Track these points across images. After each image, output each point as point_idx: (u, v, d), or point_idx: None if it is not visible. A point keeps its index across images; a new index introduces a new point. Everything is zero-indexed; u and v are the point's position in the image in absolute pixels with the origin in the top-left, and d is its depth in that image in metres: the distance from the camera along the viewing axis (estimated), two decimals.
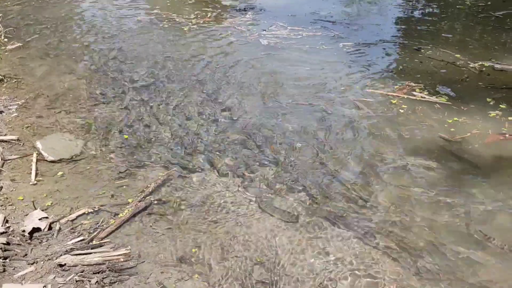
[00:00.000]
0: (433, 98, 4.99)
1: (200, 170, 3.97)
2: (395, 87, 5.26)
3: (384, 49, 6.30)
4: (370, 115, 4.75)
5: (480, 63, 5.68)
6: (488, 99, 4.92)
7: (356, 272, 2.99)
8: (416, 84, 5.29)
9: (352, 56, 6.09)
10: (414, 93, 5.11)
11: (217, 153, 4.16)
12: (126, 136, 4.39)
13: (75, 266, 2.95)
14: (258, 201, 3.60)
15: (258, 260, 3.07)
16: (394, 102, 4.96)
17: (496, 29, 6.78)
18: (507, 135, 4.31)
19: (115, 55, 6.12)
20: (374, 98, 5.05)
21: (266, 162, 4.06)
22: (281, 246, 3.19)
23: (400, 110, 4.81)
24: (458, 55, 5.92)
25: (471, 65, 5.64)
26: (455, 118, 4.63)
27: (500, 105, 4.80)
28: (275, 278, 2.95)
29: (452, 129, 4.46)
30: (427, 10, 7.81)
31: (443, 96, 5.03)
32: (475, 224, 3.36)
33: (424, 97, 5.01)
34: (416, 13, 7.79)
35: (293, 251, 3.15)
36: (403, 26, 7.24)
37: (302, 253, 3.14)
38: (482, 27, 6.94)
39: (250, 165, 4.02)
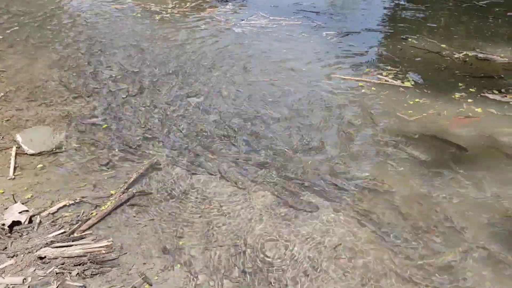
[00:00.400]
0: (397, 82, 5.11)
1: (174, 149, 4.03)
2: (365, 71, 5.38)
3: (365, 37, 6.34)
4: (333, 93, 4.91)
5: (464, 52, 5.72)
6: (460, 84, 5.01)
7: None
8: (387, 70, 5.38)
9: (329, 43, 6.15)
10: (380, 76, 5.23)
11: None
12: (105, 126, 4.36)
13: (56, 258, 2.92)
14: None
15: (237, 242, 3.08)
16: (361, 84, 5.09)
17: (480, 18, 6.83)
18: (470, 115, 4.46)
19: (91, 46, 6.11)
20: (340, 81, 5.18)
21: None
22: (262, 228, 3.20)
23: (364, 91, 4.96)
24: (443, 45, 5.96)
25: (455, 55, 5.68)
26: (416, 100, 4.76)
27: (470, 89, 4.90)
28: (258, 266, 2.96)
29: (410, 111, 4.58)
30: (412, 0, 7.83)
31: (410, 81, 5.13)
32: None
33: (388, 81, 5.13)
34: (402, 2, 7.80)
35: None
36: (388, 16, 7.26)
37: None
38: (466, 16, 6.98)
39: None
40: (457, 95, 4.84)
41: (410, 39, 6.16)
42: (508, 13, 6.95)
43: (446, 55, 5.73)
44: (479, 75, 5.21)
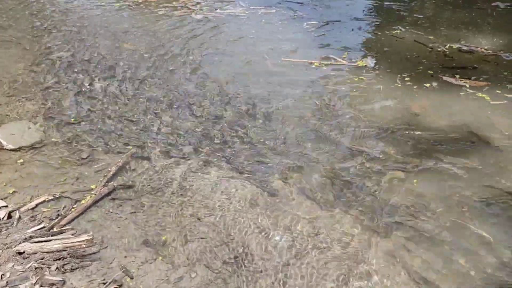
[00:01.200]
0: (344, 61, 5.33)
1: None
2: (324, 56, 5.52)
3: (344, 27, 6.37)
4: (283, 69, 5.20)
5: (448, 45, 5.67)
6: (429, 72, 5.07)
7: None
8: (349, 55, 5.53)
9: (301, 31, 6.20)
10: (336, 58, 5.41)
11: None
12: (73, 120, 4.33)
13: (35, 253, 2.89)
14: None
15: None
16: (316, 64, 5.30)
17: (466, 9, 6.81)
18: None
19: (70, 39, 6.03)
20: (290, 63, 5.38)
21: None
22: (248, 227, 3.20)
23: (314, 68, 5.24)
24: (431, 37, 5.91)
25: (438, 47, 5.66)
26: (361, 77, 5.01)
27: (432, 76, 4.99)
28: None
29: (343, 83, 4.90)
30: None
31: (364, 64, 5.30)
32: None
33: (340, 61, 5.34)
34: None
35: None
36: (374, 7, 7.18)
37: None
38: (451, 7, 6.96)
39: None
40: (407, 78, 4.96)
41: (394, 30, 6.16)
42: (493, 3, 6.96)
43: (426, 45, 5.73)
44: (450, 66, 5.21)
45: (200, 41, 5.93)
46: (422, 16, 6.62)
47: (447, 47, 5.65)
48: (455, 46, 5.65)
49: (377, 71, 5.14)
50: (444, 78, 4.91)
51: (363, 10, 6.99)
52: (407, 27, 6.23)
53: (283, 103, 4.56)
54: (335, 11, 6.90)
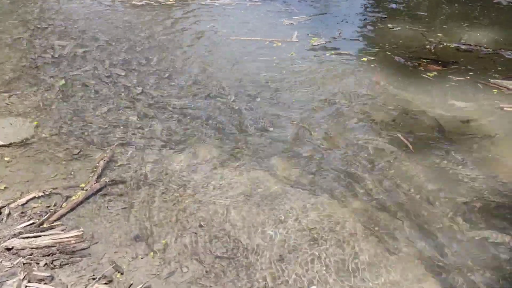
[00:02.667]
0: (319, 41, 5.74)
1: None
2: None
3: (334, 21, 6.45)
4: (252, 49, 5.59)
5: (445, 43, 5.61)
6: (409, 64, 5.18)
7: None
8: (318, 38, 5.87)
9: (276, 22, 6.36)
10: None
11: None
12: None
13: (23, 249, 2.84)
14: None
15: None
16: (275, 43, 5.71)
17: (468, 5, 6.76)
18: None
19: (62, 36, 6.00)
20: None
21: None
22: (236, 220, 3.16)
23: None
24: (427, 31, 5.91)
25: (429, 42, 5.64)
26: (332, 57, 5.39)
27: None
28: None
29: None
30: None
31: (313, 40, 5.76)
32: None
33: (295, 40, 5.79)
34: None
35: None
36: (372, 3, 7.15)
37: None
38: (455, 3, 6.87)
39: None
40: (365, 59, 5.29)
41: (391, 26, 6.14)
42: (495, 0, 6.89)
43: (424, 37, 5.71)
44: (431, 58, 5.25)
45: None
46: (424, 14, 6.59)
47: (440, 42, 5.62)
48: (452, 45, 5.57)
49: (346, 53, 5.46)
50: (408, 63, 5.17)
51: (364, 7, 6.95)
52: (403, 22, 6.22)
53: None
54: (333, 7, 6.88)
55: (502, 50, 5.39)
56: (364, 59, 5.32)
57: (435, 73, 4.98)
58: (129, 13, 6.70)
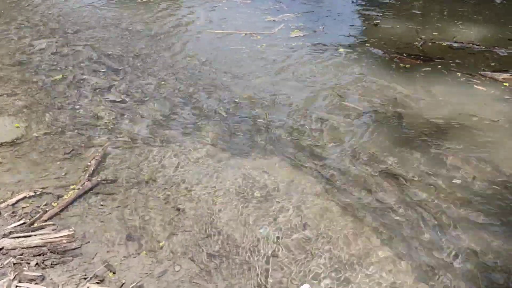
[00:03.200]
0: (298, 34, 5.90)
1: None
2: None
3: (315, 16, 6.51)
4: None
5: (437, 41, 5.59)
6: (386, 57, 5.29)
7: None
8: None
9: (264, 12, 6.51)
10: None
11: None
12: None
13: (14, 249, 2.81)
14: None
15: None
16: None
17: (462, 3, 6.76)
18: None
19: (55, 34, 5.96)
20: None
21: None
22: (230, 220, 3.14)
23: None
24: (420, 28, 5.92)
25: (420, 39, 5.65)
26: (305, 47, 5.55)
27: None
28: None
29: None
30: None
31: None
32: None
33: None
34: None
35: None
36: (367, 2, 7.10)
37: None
38: (443, 1, 6.91)
39: None
40: (341, 49, 5.44)
41: (377, 22, 6.18)
42: None
43: (417, 34, 5.74)
44: (415, 54, 5.29)
45: None
46: (418, 12, 6.58)
47: (431, 40, 5.62)
48: (444, 43, 5.56)
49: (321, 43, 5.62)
50: (386, 55, 5.29)
51: (357, 5, 6.95)
52: (396, 19, 6.22)
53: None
54: (323, 7, 6.88)
55: (497, 47, 5.40)
56: (341, 50, 5.41)
57: (408, 65, 5.07)
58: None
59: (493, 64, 4.99)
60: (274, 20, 6.33)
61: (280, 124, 4.10)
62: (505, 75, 4.72)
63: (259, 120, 4.15)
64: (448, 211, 3.11)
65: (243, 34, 5.86)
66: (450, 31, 5.88)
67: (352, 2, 7.05)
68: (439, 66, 4.99)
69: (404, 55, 5.27)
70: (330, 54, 5.35)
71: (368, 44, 5.55)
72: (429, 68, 4.96)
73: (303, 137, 3.92)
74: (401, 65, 5.07)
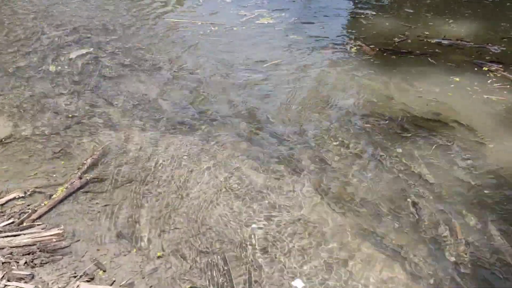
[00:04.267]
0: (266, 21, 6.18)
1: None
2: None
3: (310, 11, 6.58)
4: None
5: (434, 39, 5.61)
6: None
7: None
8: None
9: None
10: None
11: None
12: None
13: (2, 248, 2.79)
14: None
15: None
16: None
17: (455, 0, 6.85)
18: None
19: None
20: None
21: None
22: (224, 217, 3.14)
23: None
24: (408, 25, 5.96)
25: (408, 35, 5.69)
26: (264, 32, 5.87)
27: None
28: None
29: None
30: None
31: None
32: None
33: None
34: None
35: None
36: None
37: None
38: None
39: None
40: (326, 44, 5.61)
41: (366, 14, 6.24)
42: None
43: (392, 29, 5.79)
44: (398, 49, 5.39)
45: None
46: (410, 10, 6.60)
47: (418, 36, 5.66)
48: (433, 41, 5.58)
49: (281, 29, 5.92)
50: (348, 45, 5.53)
51: (349, 3, 6.97)
52: (382, 14, 6.26)
53: None
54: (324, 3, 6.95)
55: (489, 45, 5.42)
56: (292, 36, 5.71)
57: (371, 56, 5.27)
58: None
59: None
60: (245, 15, 6.43)
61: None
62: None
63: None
64: None
65: (199, 23, 6.14)
66: (439, 28, 5.91)
67: (349, 2, 7.06)
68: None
69: (371, 46, 5.43)
70: (287, 39, 5.64)
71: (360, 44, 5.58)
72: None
73: None
74: (366, 55, 5.29)
